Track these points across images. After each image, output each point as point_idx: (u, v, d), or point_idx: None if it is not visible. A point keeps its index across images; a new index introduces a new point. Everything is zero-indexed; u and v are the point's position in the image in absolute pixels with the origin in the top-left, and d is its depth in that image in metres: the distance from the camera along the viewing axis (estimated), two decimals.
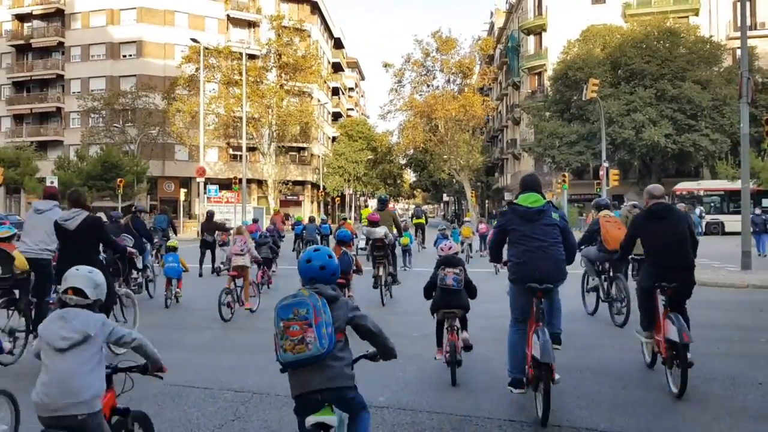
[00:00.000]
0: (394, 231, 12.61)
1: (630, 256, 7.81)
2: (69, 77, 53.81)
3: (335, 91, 73.62)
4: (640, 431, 4.58)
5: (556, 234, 5.03)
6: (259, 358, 6.65)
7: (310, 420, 2.89)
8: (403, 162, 65.17)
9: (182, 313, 10.40)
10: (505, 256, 5.37)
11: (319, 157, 59.77)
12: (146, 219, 13.34)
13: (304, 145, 55.14)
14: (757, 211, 20.59)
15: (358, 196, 70.36)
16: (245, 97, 39.14)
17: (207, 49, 40.09)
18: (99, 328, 3.00)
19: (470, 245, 19.08)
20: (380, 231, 11.26)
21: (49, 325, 3.02)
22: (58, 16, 54.13)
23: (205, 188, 37.27)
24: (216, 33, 51.43)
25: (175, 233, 15.85)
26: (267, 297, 11.03)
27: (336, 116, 74.44)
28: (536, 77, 51.85)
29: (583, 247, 9.16)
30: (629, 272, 10.36)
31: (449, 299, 5.77)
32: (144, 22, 51.90)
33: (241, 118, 40.24)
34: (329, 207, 64.80)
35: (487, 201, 70.38)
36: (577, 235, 7.83)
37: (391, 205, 23.63)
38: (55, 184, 33.61)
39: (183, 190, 46.77)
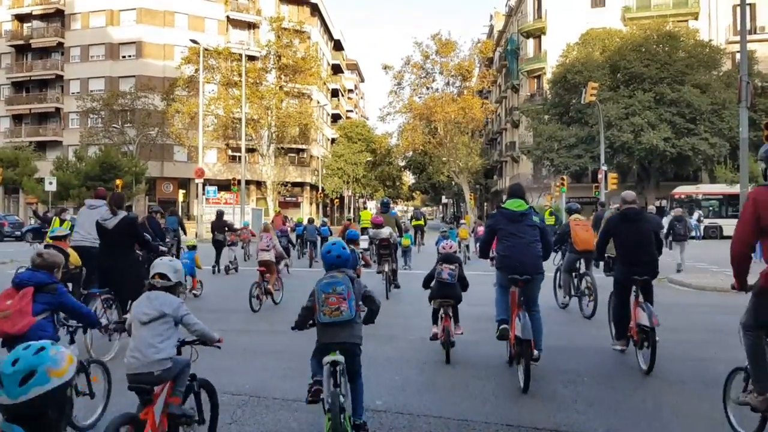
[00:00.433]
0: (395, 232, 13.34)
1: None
2: (68, 78, 53.76)
3: (335, 93, 73.63)
4: None
5: (536, 234, 6.00)
6: (256, 361, 6.63)
7: (328, 359, 4.01)
8: (402, 164, 65.16)
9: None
10: (492, 253, 6.44)
11: (318, 158, 59.76)
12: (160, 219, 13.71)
13: (303, 146, 55.12)
14: None
15: (357, 197, 70.35)
16: (244, 98, 39.14)
17: (206, 50, 40.06)
18: (173, 309, 3.77)
19: (467, 246, 19.79)
20: (385, 231, 12.36)
21: (138, 304, 3.84)
22: (57, 16, 54.12)
23: (203, 189, 37.25)
24: (216, 34, 51.42)
25: (185, 233, 16.43)
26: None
27: (335, 118, 74.44)
28: (535, 80, 51.90)
29: (556, 247, 10.09)
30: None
31: (444, 291, 6.74)
32: (143, 23, 51.89)
33: (240, 120, 40.24)
34: (328, 209, 64.76)
35: (485, 203, 70.40)
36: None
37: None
38: (54, 185, 33.72)
39: (182, 191, 46.77)
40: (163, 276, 3.85)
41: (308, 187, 58.61)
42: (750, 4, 33.31)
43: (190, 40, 37.69)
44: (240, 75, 40.81)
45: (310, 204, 58.99)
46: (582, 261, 9.78)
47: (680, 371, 6.24)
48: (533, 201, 46.36)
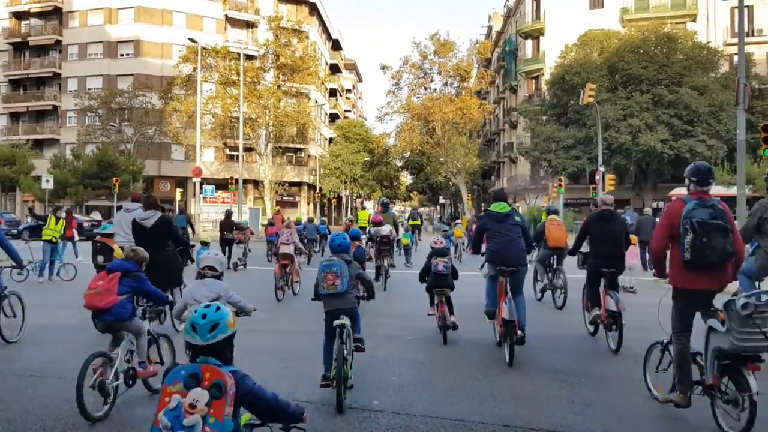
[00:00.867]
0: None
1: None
2: (66, 75, 53.64)
3: (333, 93, 73.57)
4: None
5: (519, 231, 6.99)
6: (254, 362, 6.62)
7: (337, 322, 5.19)
8: (399, 164, 65.10)
9: None
10: (482, 249, 7.59)
11: (315, 158, 59.72)
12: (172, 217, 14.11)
13: (301, 146, 55.07)
14: None
15: (354, 197, 70.31)
16: (242, 97, 39.09)
17: (205, 49, 39.98)
18: (224, 291, 5.11)
19: (463, 244, 20.55)
20: (386, 229, 13.44)
21: (194, 288, 5.15)
22: (55, 14, 53.99)
23: (201, 188, 37.19)
24: (214, 33, 51.37)
25: (194, 232, 17.35)
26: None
27: (333, 117, 74.36)
28: (533, 81, 51.95)
29: (535, 244, 10.67)
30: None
31: (440, 281, 7.72)
32: (142, 22, 51.82)
33: (238, 119, 40.18)
34: (325, 208, 64.70)
35: (483, 204, 70.38)
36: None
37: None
38: (51, 183, 33.69)
39: (179, 190, 46.69)
40: (211, 268, 5.25)
41: (306, 187, 58.56)
42: (748, 7, 33.38)
43: (189, 38, 37.61)
44: (238, 74, 40.76)
45: (308, 203, 58.96)
46: (555, 257, 10.60)
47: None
48: (531, 202, 46.45)
